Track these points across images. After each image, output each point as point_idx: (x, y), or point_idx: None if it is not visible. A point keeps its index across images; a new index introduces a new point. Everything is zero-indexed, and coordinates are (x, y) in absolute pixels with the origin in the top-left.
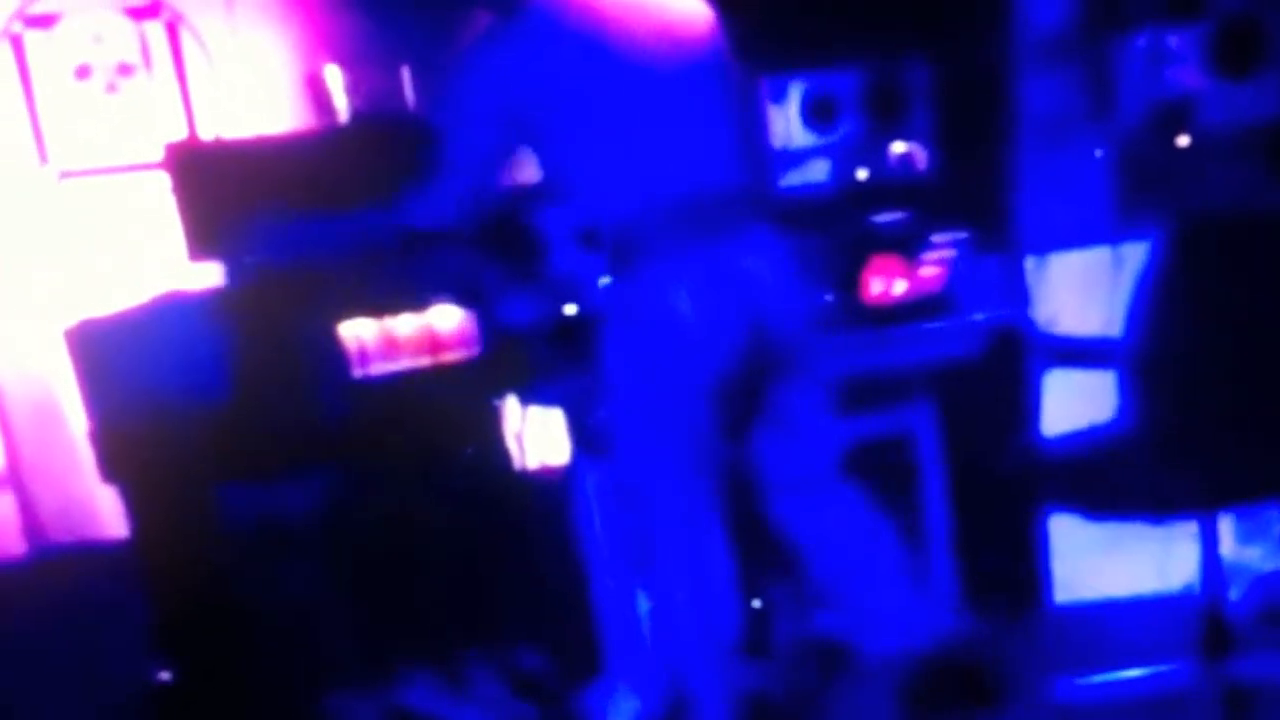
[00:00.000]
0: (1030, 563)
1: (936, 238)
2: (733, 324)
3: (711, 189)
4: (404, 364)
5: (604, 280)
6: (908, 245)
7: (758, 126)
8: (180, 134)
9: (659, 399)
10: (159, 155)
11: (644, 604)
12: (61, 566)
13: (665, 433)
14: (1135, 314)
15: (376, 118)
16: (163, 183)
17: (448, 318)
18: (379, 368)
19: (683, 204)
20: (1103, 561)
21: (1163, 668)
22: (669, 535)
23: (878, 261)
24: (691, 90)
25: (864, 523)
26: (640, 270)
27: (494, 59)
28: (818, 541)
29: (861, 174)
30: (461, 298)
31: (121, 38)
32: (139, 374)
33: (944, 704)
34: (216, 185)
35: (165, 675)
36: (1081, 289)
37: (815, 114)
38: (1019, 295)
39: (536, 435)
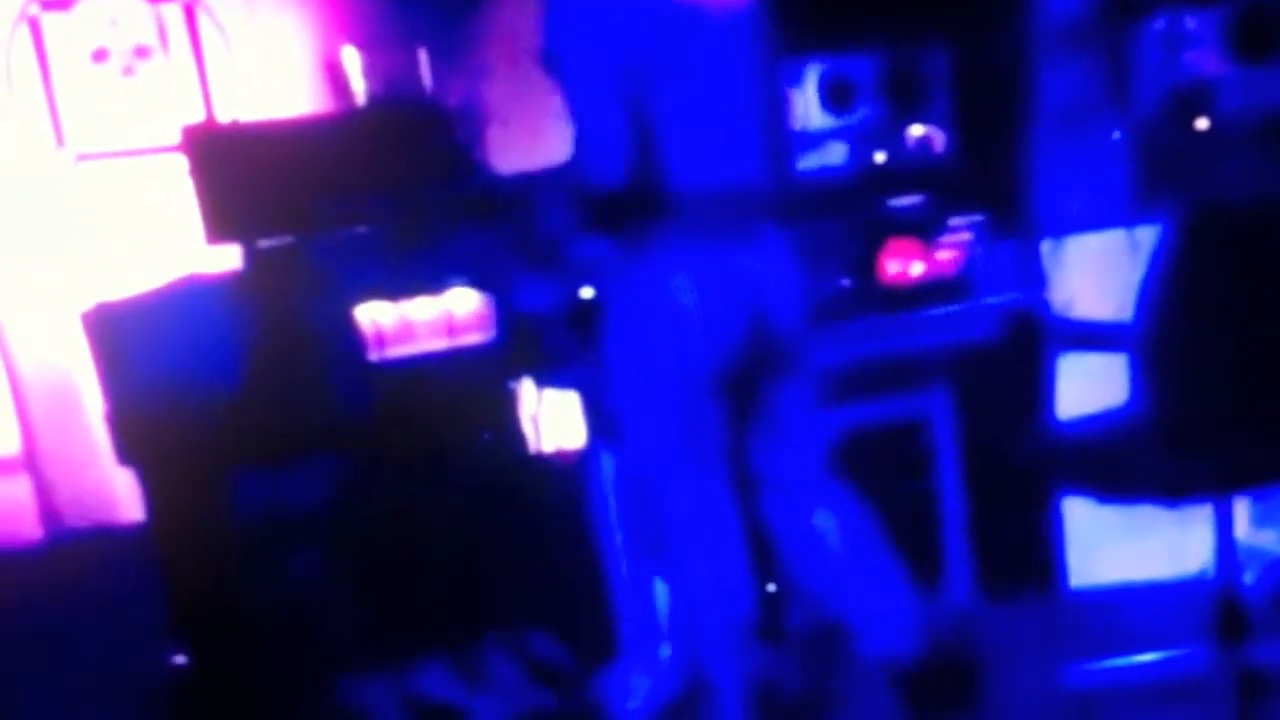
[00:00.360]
0: (1045, 547)
1: (953, 221)
2: (733, 319)
3: (737, 183)
4: (420, 348)
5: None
6: (924, 229)
7: (781, 112)
8: (197, 117)
9: (659, 389)
10: (176, 138)
11: (660, 589)
12: (77, 551)
13: (667, 422)
14: (1149, 298)
15: (394, 101)
16: (180, 166)
17: (464, 301)
18: (395, 351)
19: (706, 196)
20: (1118, 546)
21: (1177, 652)
22: (679, 521)
23: (895, 245)
24: (735, 42)
25: (850, 524)
26: (648, 258)
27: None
28: (803, 542)
29: (879, 157)
30: (478, 281)
31: (138, 21)
32: (156, 357)
33: (935, 704)
34: (234, 169)
35: (181, 660)
36: (1098, 273)
37: (833, 97)
38: (1035, 279)
39: (552, 419)
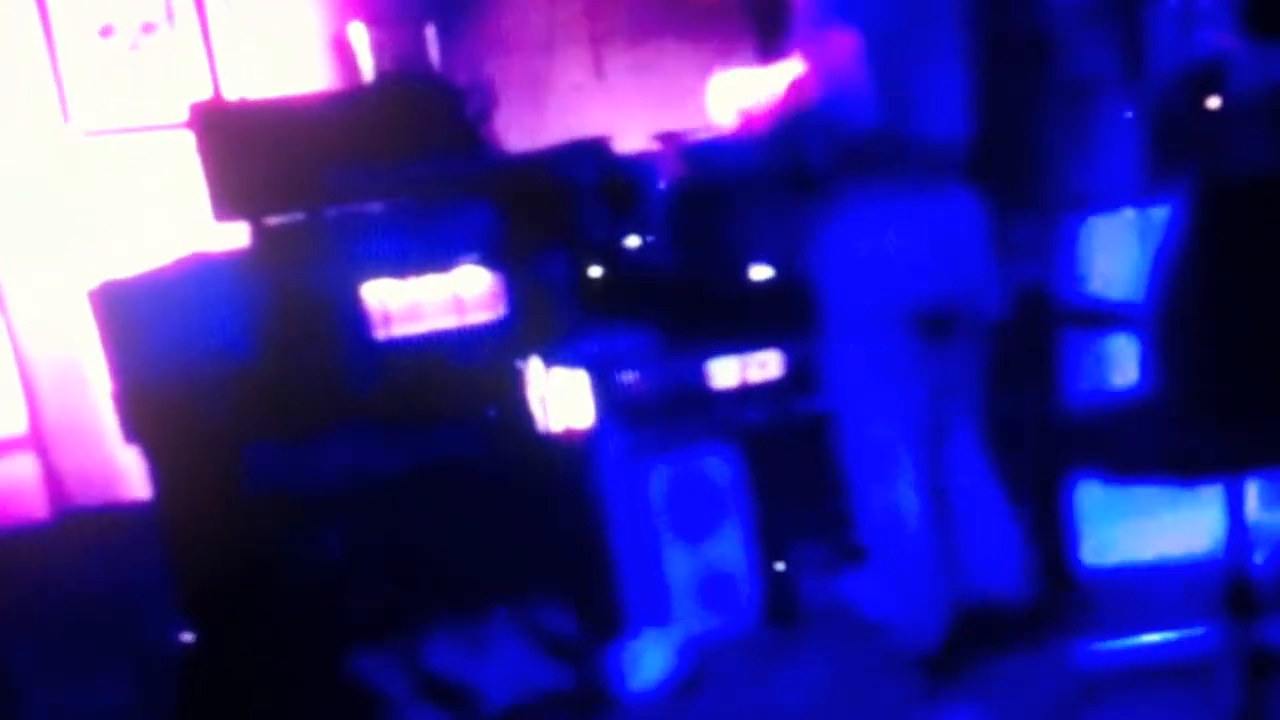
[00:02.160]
0: (1057, 526)
1: None
2: (932, 268)
3: (936, 135)
4: (429, 326)
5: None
6: None
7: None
8: (205, 93)
9: (856, 333)
10: (183, 115)
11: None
12: (84, 529)
13: (860, 366)
14: (1160, 276)
15: (402, 77)
16: (187, 142)
17: (473, 279)
18: (403, 330)
19: (908, 145)
20: (1129, 525)
21: (1188, 631)
22: (861, 467)
23: None
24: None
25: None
26: (852, 207)
27: None
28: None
29: None
30: (487, 259)
31: None
32: (163, 335)
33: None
34: (241, 146)
35: (188, 637)
36: (1110, 251)
37: None
38: (1047, 256)
39: (560, 398)
